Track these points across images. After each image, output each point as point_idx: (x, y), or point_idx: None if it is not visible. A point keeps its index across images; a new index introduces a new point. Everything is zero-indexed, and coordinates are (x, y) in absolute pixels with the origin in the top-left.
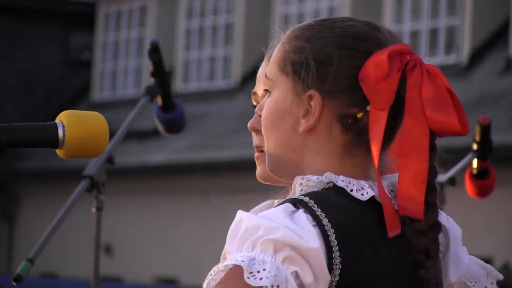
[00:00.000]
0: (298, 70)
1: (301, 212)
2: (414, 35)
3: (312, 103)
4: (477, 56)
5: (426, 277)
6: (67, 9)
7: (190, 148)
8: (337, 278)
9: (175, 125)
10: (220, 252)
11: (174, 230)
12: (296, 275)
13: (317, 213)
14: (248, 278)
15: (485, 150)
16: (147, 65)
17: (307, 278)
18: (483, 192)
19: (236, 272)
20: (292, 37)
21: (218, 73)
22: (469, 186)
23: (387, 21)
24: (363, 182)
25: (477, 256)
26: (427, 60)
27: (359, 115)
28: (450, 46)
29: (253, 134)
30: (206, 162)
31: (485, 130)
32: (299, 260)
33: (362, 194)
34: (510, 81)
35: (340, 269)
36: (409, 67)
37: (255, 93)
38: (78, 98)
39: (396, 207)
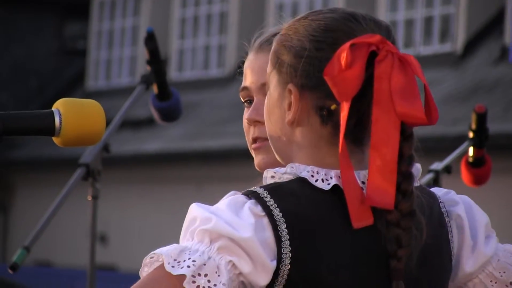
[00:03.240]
0: (279, 63)
1: (248, 203)
2: (409, 23)
3: (291, 96)
4: (472, 44)
5: (398, 267)
6: None
7: (184, 136)
8: (288, 266)
9: (171, 113)
10: None
11: (168, 219)
12: (233, 264)
13: (268, 204)
14: (173, 266)
15: (481, 138)
16: (142, 54)
17: (245, 268)
18: (479, 180)
19: (158, 260)
20: (286, 29)
21: (212, 62)
22: (465, 174)
23: (382, 10)
24: (332, 172)
25: None
26: (421, 49)
27: (333, 107)
28: (445, 34)
29: (247, 127)
30: (200, 151)
31: (481, 118)
32: (235, 250)
33: (328, 184)
34: (505, 69)
35: (290, 257)
36: (379, 57)
37: (245, 88)
38: (73, 87)
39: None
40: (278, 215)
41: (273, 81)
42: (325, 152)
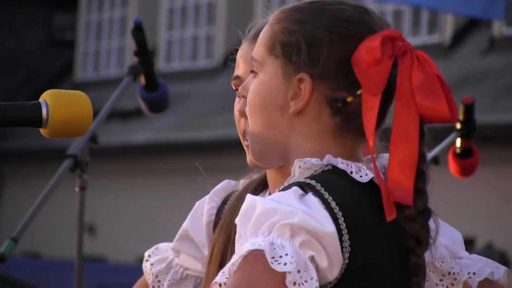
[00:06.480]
0: (288, 52)
1: (311, 196)
2: (397, 14)
3: (301, 86)
4: (460, 35)
5: (417, 263)
6: None
7: (172, 128)
8: (346, 261)
9: (159, 104)
10: None
11: (157, 210)
12: (313, 259)
13: (325, 197)
14: (272, 263)
15: (469, 129)
16: (130, 45)
17: (323, 263)
18: (466, 171)
19: (257, 256)
20: (281, 18)
21: (200, 53)
22: (452, 165)
23: (370, 0)
24: (360, 164)
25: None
26: (410, 40)
27: (349, 99)
28: (433, 25)
29: (239, 118)
30: (189, 142)
31: (469, 109)
32: (315, 245)
33: (361, 176)
34: (493, 60)
35: (349, 252)
36: (400, 53)
37: (237, 77)
38: (61, 78)
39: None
40: (335, 208)
41: (269, 68)
42: (330, 144)
